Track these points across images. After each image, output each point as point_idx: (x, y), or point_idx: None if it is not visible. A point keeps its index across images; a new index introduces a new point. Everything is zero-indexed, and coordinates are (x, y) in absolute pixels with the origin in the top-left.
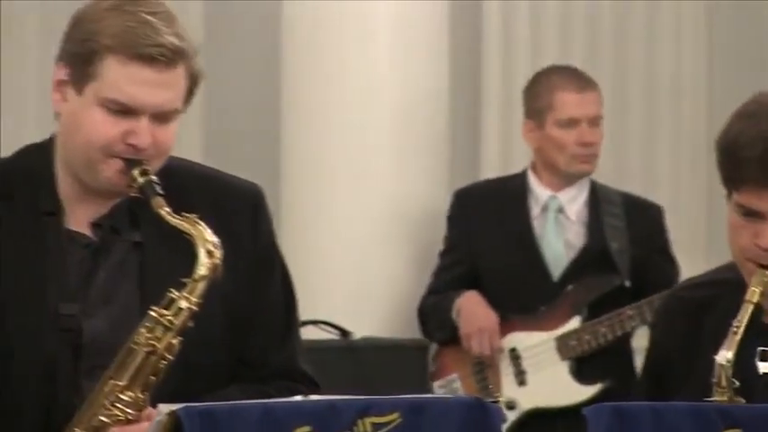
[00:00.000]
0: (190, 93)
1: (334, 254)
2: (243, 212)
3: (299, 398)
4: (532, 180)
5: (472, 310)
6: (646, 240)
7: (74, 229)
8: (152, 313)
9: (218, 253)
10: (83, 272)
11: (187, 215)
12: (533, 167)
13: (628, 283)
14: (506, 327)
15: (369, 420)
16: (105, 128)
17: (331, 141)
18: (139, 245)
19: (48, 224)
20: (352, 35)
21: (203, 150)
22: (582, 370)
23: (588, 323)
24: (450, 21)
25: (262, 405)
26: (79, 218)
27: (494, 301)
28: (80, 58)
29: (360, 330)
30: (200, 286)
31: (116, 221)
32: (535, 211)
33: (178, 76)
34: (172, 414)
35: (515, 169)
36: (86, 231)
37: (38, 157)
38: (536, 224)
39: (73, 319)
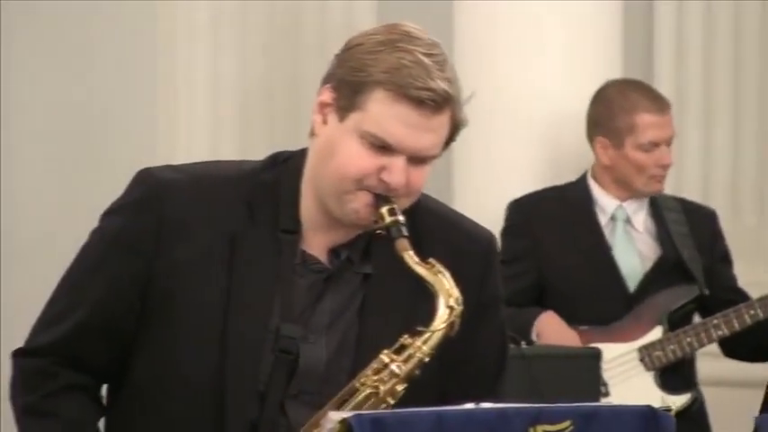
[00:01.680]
0: (450, 139)
1: None
2: (476, 259)
3: (470, 406)
4: (596, 189)
5: (554, 331)
6: (709, 247)
7: (309, 251)
8: (382, 356)
9: (458, 309)
10: (311, 297)
11: (431, 262)
12: (594, 176)
13: (707, 292)
14: (583, 339)
15: (540, 428)
16: (361, 160)
17: (499, 138)
18: (368, 277)
19: (285, 242)
20: (524, 39)
21: None
22: (666, 380)
23: (672, 333)
24: (623, 24)
25: (433, 413)
26: (317, 242)
27: (563, 312)
28: (349, 86)
29: None
30: (435, 338)
31: (352, 252)
32: (602, 221)
33: (442, 122)
34: (343, 422)
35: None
36: (321, 256)
37: (286, 170)
38: (605, 234)
39: (292, 342)
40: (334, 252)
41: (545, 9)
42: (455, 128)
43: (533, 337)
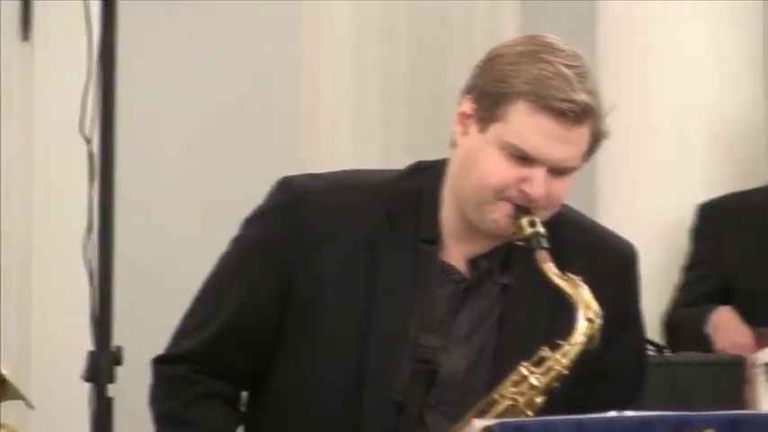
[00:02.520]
0: (590, 151)
1: None
2: (615, 270)
3: (613, 414)
4: None
5: (728, 325)
6: None
7: (449, 262)
8: (521, 369)
9: (597, 323)
10: (450, 307)
11: (570, 276)
12: None
13: None
14: (761, 341)
15: None
16: (502, 171)
17: (642, 147)
18: (507, 288)
19: (424, 252)
20: (672, 40)
21: None
22: None
23: None
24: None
25: (575, 421)
26: (456, 252)
27: (747, 316)
28: (490, 97)
29: None
30: (574, 351)
31: (492, 262)
32: None
33: (583, 134)
34: (487, 429)
35: None
36: (461, 266)
37: (428, 180)
38: None
39: (431, 352)
40: (473, 262)
41: (695, 8)
42: (596, 140)
43: (708, 329)
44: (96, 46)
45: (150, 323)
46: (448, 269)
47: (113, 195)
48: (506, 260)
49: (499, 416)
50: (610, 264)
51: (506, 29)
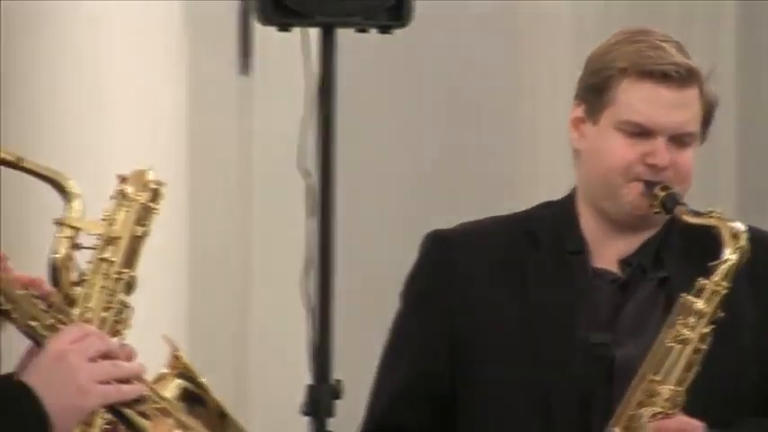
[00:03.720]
0: (706, 121)
1: None
2: None
3: None
4: None
5: None
6: None
7: (600, 266)
8: (682, 301)
9: (743, 237)
10: (611, 305)
11: (710, 211)
12: None
13: None
14: None
15: None
16: (623, 151)
17: None
18: (666, 280)
19: (574, 263)
20: None
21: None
22: None
23: None
24: None
25: None
26: (605, 256)
27: None
28: (595, 88)
29: None
30: (728, 267)
31: (642, 260)
32: None
33: (692, 96)
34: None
35: None
36: (613, 268)
37: (563, 201)
38: None
39: (605, 348)
40: (623, 263)
41: None
42: (708, 107)
43: None
44: (315, 79)
45: (370, 357)
46: (601, 273)
47: (333, 229)
48: (657, 256)
49: (675, 360)
50: None
51: (724, 30)
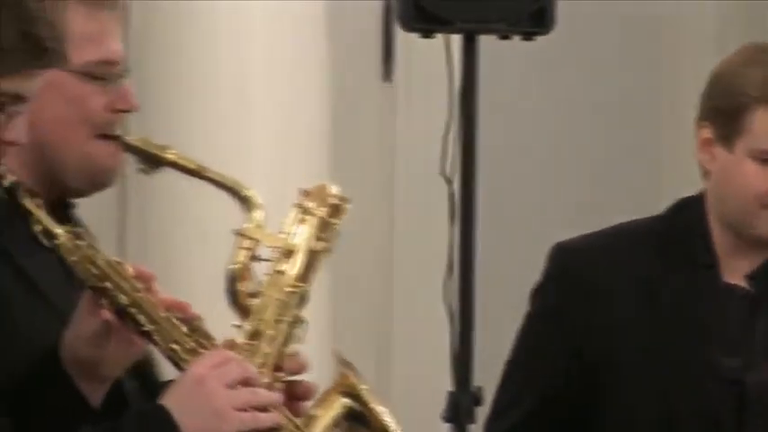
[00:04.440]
0: None
1: None
2: None
3: None
4: None
5: None
6: None
7: (729, 281)
8: None
9: None
10: (742, 323)
11: None
12: None
13: None
14: None
15: None
16: (758, 179)
17: None
18: None
19: (705, 277)
20: None
21: None
22: None
23: None
24: None
25: None
26: (734, 271)
27: None
28: (726, 112)
29: None
30: None
31: None
32: None
33: None
34: None
35: None
36: (741, 283)
37: (692, 212)
38: None
39: (735, 372)
40: (752, 278)
41: None
42: None
43: None
44: (458, 85)
45: None
46: (731, 289)
47: (474, 236)
48: None
49: None
50: None
51: None
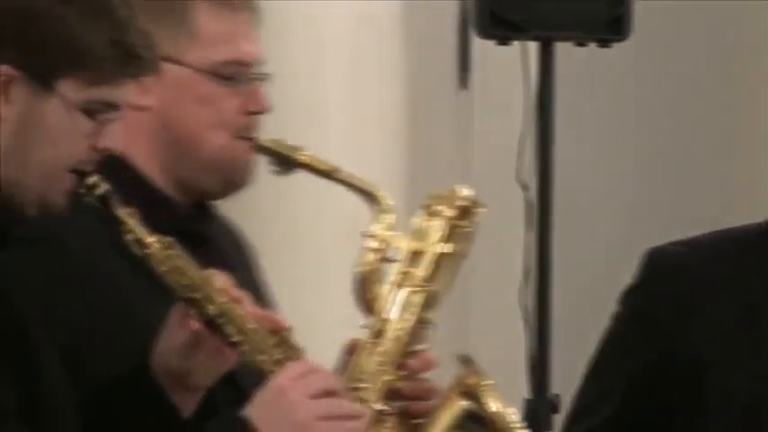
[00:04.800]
0: None
1: None
2: None
3: None
4: None
5: None
6: None
7: None
8: None
9: None
10: None
11: None
12: None
13: None
14: None
15: None
16: None
17: None
18: None
19: None
20: None
21: None
22: None
23: None
24: None
25: None
26: None
27: None
28: None
29: None
30: None
31: None
32: None
33: None
34: None
35: None
36: None
37: None
38: None
39: None
40: None
41: None
42: None
43: None
44: (534, 92)
45: None
46: None
47: (551, 242)
48: None
49: None
50: None
51: None
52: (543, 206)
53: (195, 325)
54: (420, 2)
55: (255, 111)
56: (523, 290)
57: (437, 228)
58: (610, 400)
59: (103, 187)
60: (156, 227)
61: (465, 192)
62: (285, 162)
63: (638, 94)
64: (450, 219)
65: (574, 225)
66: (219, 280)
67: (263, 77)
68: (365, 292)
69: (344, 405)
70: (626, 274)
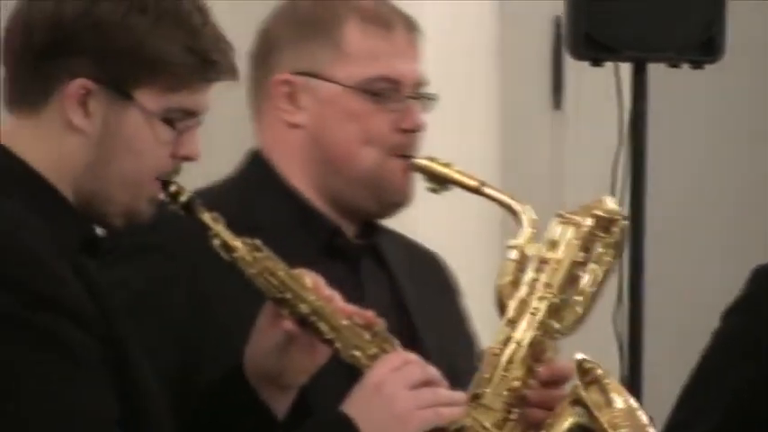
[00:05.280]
0: None
1: None
2: None
3: None
4: None
5: None
6: None
7: None
8: None
9: None
10: None
11: None
12: None
13: None
14: None
15: None
16: None
17: None
18: None
19: None
20: None
21: None
22: None
23: None
24: None
25: None
26: None
27: None
28: None
29: None
30: None
31: None
32: None
33: None
34: None
35: None
36: None
37: None
38: None
39: None
40: None
41: None
42: None
43: None
44: (627, 113)
45: None
46: None
47: (643, 267)
48: None
49: None
50: None
51: None
52: (636, 227)
53: (288, 324)
54: (515, 23)
55: (407, 128)
56: (617, 312)
57: (573, 238)
58: (707, 418)
59: (187, 194)
60: (305, 240)
61: (609, 203)
62: (438, 179)
63: (730, 114)
64: (589, 229)
65: (667, 245)
66: (309, 279)
67: (419, 96)
68: (506, 303)
69: (442, 393)
70: (722, 296)
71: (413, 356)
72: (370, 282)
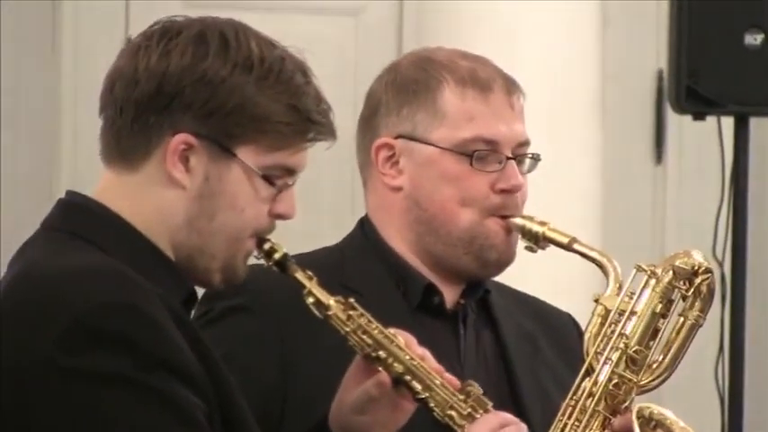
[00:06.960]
0: None
1: None
2: None
3: None
4: None
5: None
6: None
7: None
8: None
9: None
10: None
11: None
12: None
13: None
14: None
15: None
16: None
17: None
18: None
19: None
20: None
21: None
22: None
23: None
24: None
25: None
26: None
27: None
28: None
29: None
30: None
31: None
32: None
33: None
34: None
35: None
36: None
37: None
38: None
39: None
40: None
41: None
42: None
43: None
44: (729, 167)
45: None
46: None
47: (744, 318)
48: None
49: None
50: None
51: None
52: (737, 281)
53: (385, 377)
54: (617, 77)
55: (505, 189)
56: (718, 365)
57: (653, 290)
58: None
59: (281, 252)
60: (400, 299)
61: (695, 257)
62: (535, 238)
63: None
64: (669, 281)
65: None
66: (402, 337)
67: (519, 156)
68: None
69: None
70: None
71: (511, 417)
72: (471, 339)
